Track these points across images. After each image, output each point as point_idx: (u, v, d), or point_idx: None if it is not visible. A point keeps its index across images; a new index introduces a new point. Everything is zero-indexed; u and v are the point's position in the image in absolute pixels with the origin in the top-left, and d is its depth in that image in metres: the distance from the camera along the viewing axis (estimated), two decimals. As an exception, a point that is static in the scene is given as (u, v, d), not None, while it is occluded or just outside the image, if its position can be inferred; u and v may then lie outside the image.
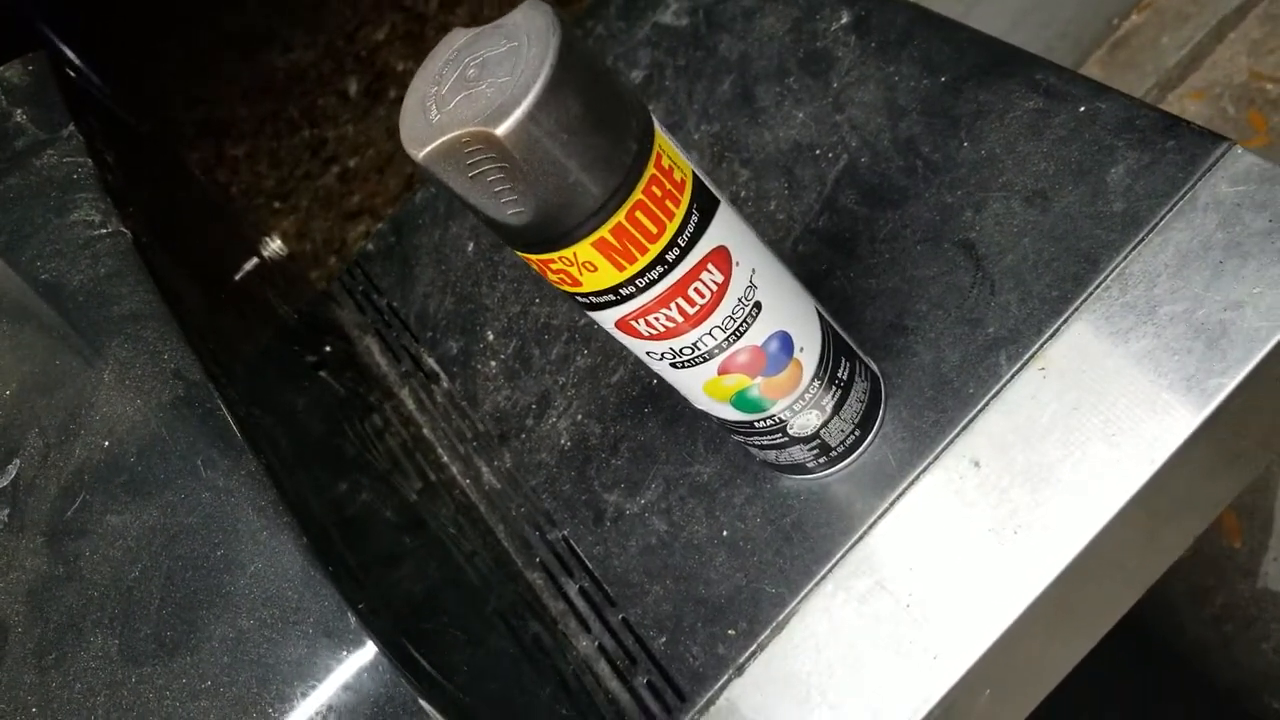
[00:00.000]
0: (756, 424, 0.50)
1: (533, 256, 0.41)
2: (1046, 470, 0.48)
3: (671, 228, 0.41)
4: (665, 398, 0.61)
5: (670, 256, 0.41)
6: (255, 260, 0.64)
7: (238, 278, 0.63)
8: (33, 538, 0.44)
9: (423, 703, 0.37)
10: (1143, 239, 0.51)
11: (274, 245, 0.66)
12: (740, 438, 0.52)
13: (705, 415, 0.51)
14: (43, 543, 0.44)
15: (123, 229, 0.51)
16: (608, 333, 0.45)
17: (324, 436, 0.57)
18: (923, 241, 0.57)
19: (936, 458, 0.51)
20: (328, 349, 0.70)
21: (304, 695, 0.38)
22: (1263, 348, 0.46)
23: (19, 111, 0.59)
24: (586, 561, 0.59)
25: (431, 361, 0.73)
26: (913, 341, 0.54)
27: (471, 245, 0.76)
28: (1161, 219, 0.50)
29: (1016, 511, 0.48)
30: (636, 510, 0.59)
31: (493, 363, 0.70)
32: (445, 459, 0.69)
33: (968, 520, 0.49)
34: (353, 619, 0.38)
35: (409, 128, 0.39)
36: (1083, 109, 0.55)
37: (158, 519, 0.42)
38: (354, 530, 0.50)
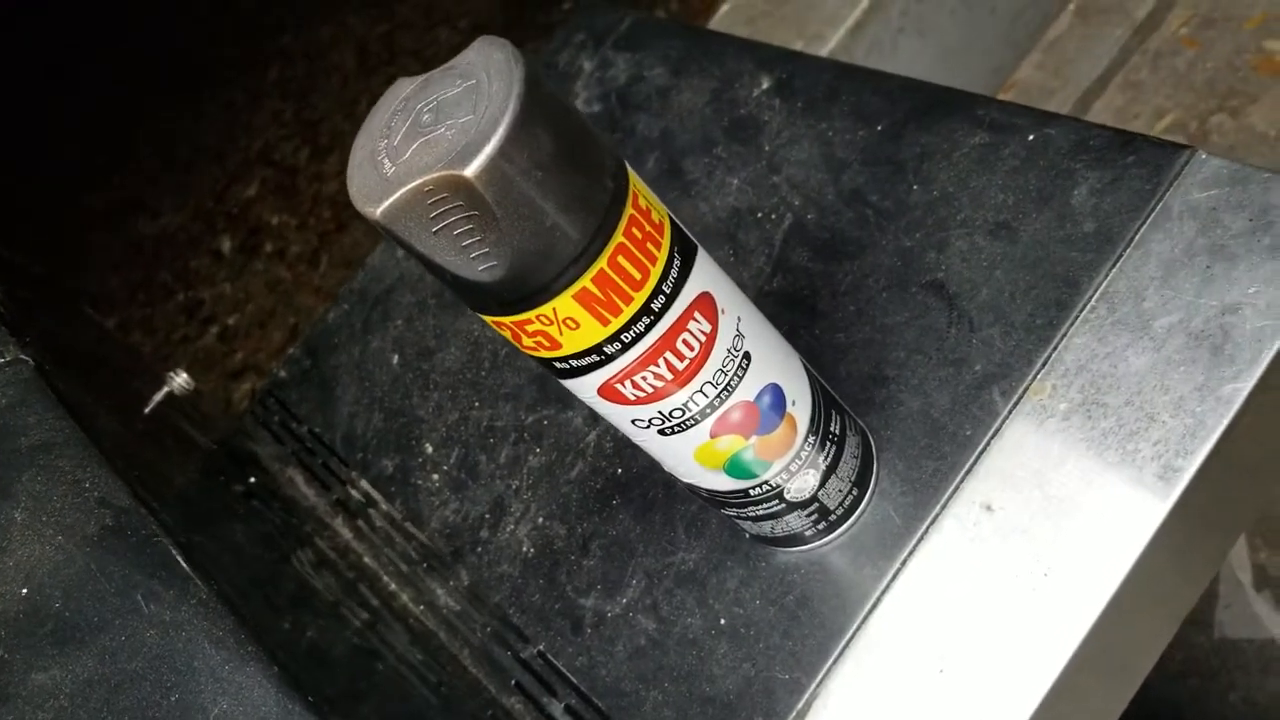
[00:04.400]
0: (751, 492, 0.46)
1: (506, 320, 0.37)
2: (1067, 503, 0.45)
3: (655, 273, 0.37)
4: (633, 487, 0.56)
5: (656, 305, 0.38)
6: (165, 390, 0.58)
7: (148, 410, 0.57)
8: (-61, 714, 0.37)
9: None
10: (1121, 255, 0.49)
11: (179, 380, 0.60)
12: (732, 512, 0.48)
13: (694, 489, 0.47)
14: (-48, 718, 0.37)
15: (23, 356, 0.45)
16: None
17: (271, 566, 0.51)
18: (888, 289, 0.54)
19: (944, 507, 0.48)
20: (252, 480, 0.64)
21: None
22: (1271, 347, 0.44)
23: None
24: (569, 675, 0.54)
25: (365, 484, 0.67)
26: (896, 391, 0.51)
27: (396, 357, 0.71)
28: (1137, 233, 0.49)
29: (1041, 553, 0.45)
30: (619, 611, 0.54)
31: (435, 476, 0.64)
32: (393, 587, 0.63)
33: (991, 569, 0.46)
34: (346, 753, 0.32)
35: (359, 185, 0.35)
36: (1031, 137, 0.54)
37: (95, 669, 0.36)
38: (309, 667, 0.44)
